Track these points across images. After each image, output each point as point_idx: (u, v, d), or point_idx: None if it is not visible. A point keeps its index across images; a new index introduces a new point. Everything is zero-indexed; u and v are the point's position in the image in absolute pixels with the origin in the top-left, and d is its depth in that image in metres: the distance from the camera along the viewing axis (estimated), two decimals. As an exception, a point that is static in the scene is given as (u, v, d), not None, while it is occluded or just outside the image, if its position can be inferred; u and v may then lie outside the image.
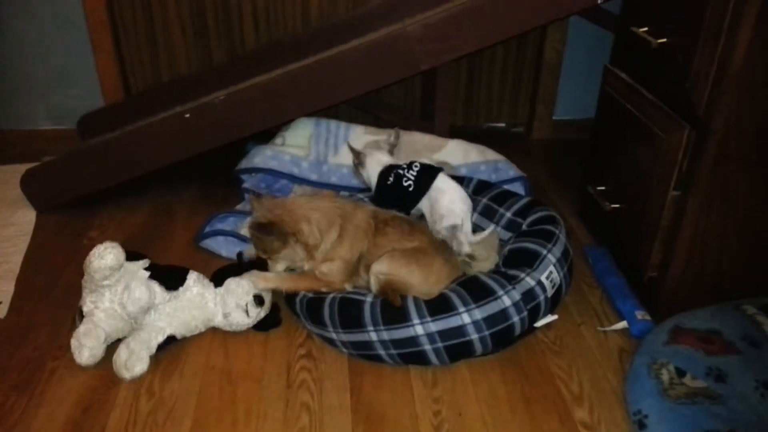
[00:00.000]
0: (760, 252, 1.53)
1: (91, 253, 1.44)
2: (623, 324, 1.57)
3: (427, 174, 1.72)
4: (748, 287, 1.55)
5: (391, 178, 1.76)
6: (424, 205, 1.71)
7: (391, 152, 1.89)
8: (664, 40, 1.51)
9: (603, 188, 1.82)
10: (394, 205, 1.74)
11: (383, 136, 2.02)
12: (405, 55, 1.89)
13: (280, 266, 1.57)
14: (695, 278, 1.53)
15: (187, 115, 1.91)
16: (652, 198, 1.55)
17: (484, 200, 1.83)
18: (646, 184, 1.57)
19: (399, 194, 1.73)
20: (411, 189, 1.71)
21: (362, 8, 2.35)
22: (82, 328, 1.43)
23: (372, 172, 1.83)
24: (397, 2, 2.26)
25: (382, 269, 1.47)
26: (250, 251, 1.65)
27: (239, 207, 2.01)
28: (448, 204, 1.65)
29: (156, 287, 1.47)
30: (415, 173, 1.72)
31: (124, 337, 1.47)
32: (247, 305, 1.52)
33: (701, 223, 1.47)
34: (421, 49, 1.88)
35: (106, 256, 1.42)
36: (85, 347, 1.41)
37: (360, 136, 2.06)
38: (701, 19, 1.36)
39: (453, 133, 2.14)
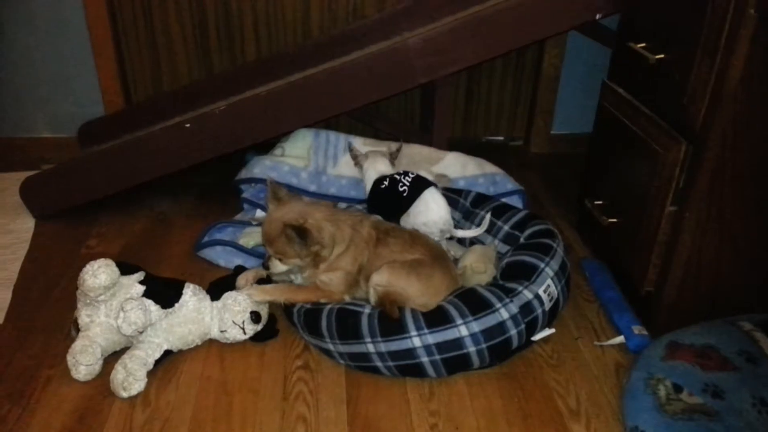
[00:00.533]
0: (756, 268, 1.53)
1: (85, 270, 1.43)
2: (620, 339, 1.57)
3: (422, 182, 1.77)
4: (745, 303, 1.55)
5: (386, 182, 1.79)
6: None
7: (392, 162, 1.91)
8: (662, 56, 1.52)
9: (600, 202, 1.83)
10: (384, 211, 1.77)
11: (382, 147, 2.04)
12: (404, 67, 1.91)
13: (282, 267, 1.55)
14: (692, 293, 1.54)
15: (188, 125, 1.92)
16: (649, 213, 1.55)
17: (482, 213, 1.84)
18: (643, 198, 1.57)
19: (393, 198, 1.76)
20: (405, 194, 1.74)
21: (362, 21, 2.37)
22: (78, 345, 1.42)
23: (368, 179, 1.86)
24: (397, 16, 2.29)
25: (381, 280, 1.47)
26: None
27: (238, 217, 2.01)
28: (430, 218, 1.71)
29: (152, 306, 1.45)
30: (410, 180, 1.76)
31: (123, 348, 1.47)
32: (243, 323, 1.51)
33: (698, 238, 1.47)
34: (420, 63, 1.90)
35: (99, 275, 1.41)
36: (81, 365, 1.40)
37: (359, 147, 2.07)
38: (698, 37, 1.38)
39: (452, 145, 2.16)
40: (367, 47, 1.99)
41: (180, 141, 1.95)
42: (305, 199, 1.97)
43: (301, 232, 1.47)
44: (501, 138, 2.76)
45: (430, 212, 1.71)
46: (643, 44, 1.59)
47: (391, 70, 1.93)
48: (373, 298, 1.51)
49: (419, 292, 1.46)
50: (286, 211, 1.53)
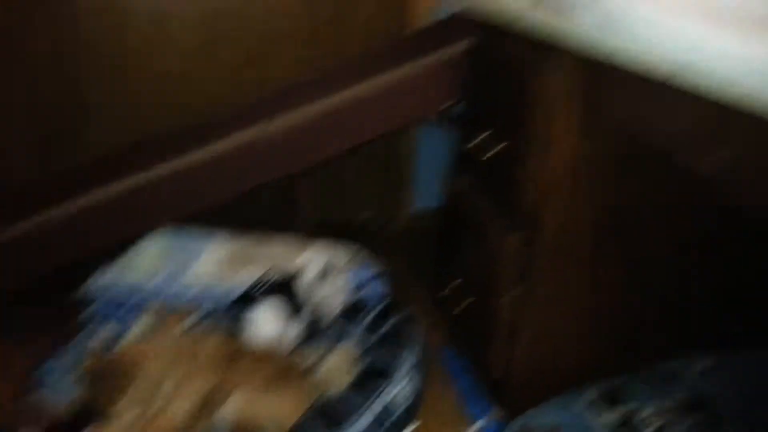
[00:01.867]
0: (596, 343, 1.60)
1: None
2: (477, 426, 1.60)
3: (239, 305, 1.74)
4: (590, 377, 1.60)
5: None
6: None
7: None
8: (498, 147, 1.57)
9: (453, 288, 1.85)
10: None
11: (250, 242, 1.98)
12: (266, 158, 1.88)
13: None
14: (540, 375, 1.59)
15: None
16: (494, 298, 1.61)
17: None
18: (488, 284, 1.63)
19: None
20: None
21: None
22: None
23: None
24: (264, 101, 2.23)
25: (230, 410, 1.41)
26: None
27: (78, 338, 1.82)
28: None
29: None
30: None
31: None
32: None
33: (539, 321, 1.54)
34: (281, 153, 1.88)
35: None
36: None
37: (222, 244, 1.99)
38: (527, 128, 1.45)
39: (316, 229, 2.10)
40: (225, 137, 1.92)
41: None
42: (160, 305, 1.85)
43: (105, 371, 1.40)
44: (366, 216, 2.76)
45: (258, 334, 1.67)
46: (484, 134, 1.63)
47: (246, 164, 1.89)
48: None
49: (272, 415, 1.41)
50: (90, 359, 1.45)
